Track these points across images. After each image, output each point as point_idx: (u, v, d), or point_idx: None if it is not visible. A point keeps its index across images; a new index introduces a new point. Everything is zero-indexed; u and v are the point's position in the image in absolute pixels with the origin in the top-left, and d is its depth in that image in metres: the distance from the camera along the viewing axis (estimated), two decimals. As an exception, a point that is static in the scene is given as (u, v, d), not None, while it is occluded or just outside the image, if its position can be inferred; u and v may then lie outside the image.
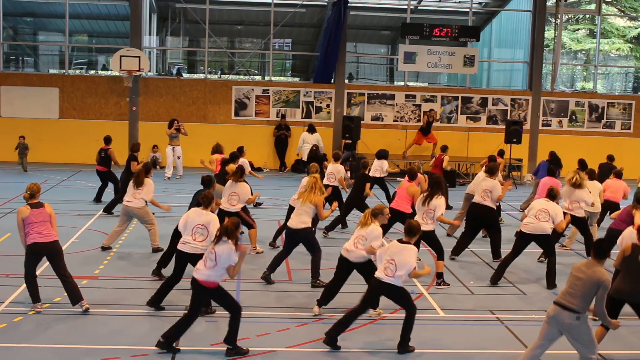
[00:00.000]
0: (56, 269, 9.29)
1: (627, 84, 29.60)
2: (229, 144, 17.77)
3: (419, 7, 27.26)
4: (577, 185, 12.56)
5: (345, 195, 15.07)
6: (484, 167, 14.10)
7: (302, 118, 24.52)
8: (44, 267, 10.01)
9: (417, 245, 8.60)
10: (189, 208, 10.22)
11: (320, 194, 10.94)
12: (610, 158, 17.12)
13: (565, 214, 11.72)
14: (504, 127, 23.38)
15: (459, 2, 28.00)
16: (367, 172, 14.75)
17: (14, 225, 9.36)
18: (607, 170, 15.15)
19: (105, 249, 12.62)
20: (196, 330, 8.81)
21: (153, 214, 12.78)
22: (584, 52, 30.18)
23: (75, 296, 9.26)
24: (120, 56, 22.46)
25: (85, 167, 22.45)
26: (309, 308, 9.83)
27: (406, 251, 8.33)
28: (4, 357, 7.90)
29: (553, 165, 16.10)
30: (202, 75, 25.89)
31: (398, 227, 12.43)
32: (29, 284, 9.26)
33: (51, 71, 26.65)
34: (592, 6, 27.97)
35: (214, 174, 13.61)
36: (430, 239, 11.00)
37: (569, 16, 29.79)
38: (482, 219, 12.69)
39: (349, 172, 18.20)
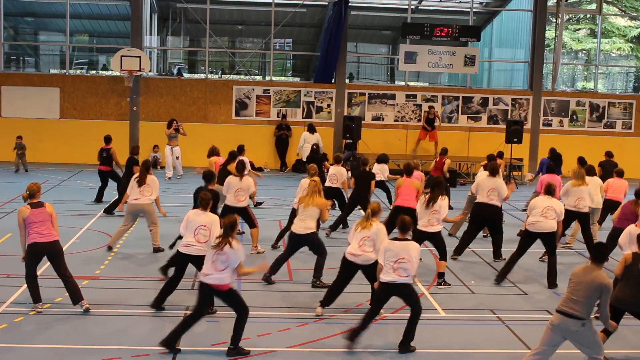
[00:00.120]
0: (57, 269, 9.29)
1: (627, 84, 29.59)
2: (229, 144, 17.77)
3: (419, 7, 27.26)
4: (582, 180, 12.72)
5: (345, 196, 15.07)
6: (482, 167, 14.15)
7: (302, 118, 24.52)
8: (44, 267, 10.02)
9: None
10: (194, 207, 10.17)
11: (322, 196, 10.95)
12: (609, 154, 17.04)
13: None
14: (505, 126, 23.37)
15: (460, 1, 27.99)
16: (366, 169, 14.74)
17: (15, 225, 9.36)
18: (610, 169, 15.09)
19: (110, 248, 12.61)
20: (197, 330, 8.81)
21: None
22: (584, 51, 30.19)
23: (76, 296, 9.26)
24: (121, 56, 22.48)
25: (86, 167, 22.47)
26: (309, 308, 9.83)
27: (412, 248, 8.34)
28: (5, 358, 7.90)
29: (554, 161, 16.06)
30: (202, 75, 25.89)
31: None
32: (29, 285, 9.26)
33: (52, 71, 26.67)
34: (593, 6, 27.97)
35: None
36: (437, 239, 10.98)
37: (570, 16, 29.79)
38: (488, 218, 12.65)
39: (349, 172, 18.21)
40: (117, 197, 15.99)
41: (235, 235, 8.13)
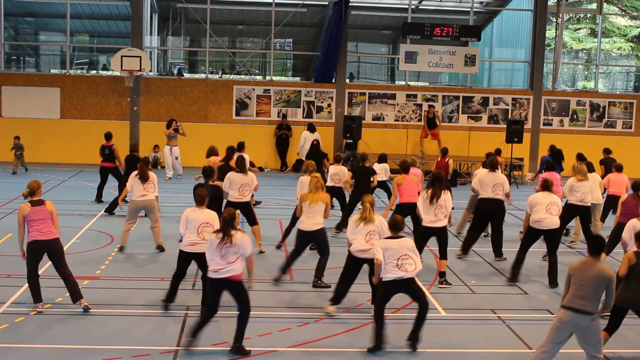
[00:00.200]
0: (57, 267, 9.29)
1: (628, 83, 29.58)
2: (230, 144, 17.70)
3: (420, 7, 27.26)
4: (584, 175, 12.82)
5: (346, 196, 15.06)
6: (481, 165, 14.18)
7: (303, 118, 24.52)
8: (45, 267, 10.02)
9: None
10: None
11: (325, 191, 10.97)
12: (608, 151, 16.99)
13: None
14: (505, 126, 23.37)
15: (460, 1, 28.00)
16: (365, 165, 14.76)
17: (16, 225, 9.36)
18: (612, 166, 15.07)
19: (122, 248, 12.57)
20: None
21: None
22: (585, 51, 30.19)
23: (75, 294, 9.28)
24: (122, 56, 22.49)
25: (86, 167, 22.48)
26: (310, 308, 9.83)
27: (410, 243, 8.42)
28: (5, 358, 7.90)
29: (554, 158, 16.01)
30: (203, 75, 25.90)
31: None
32: (31, 284, 9.26)
33: (52, 71, 26.68)
34: (593, 5, 27.96)
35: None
36: (444, 234, 10.98)
37: (570, 15, 29.78)
38: (493, 214, 12.65)
39: (350, 172, 18.19)
40: (117, 195, 15.97)
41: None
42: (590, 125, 25.52)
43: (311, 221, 10.64)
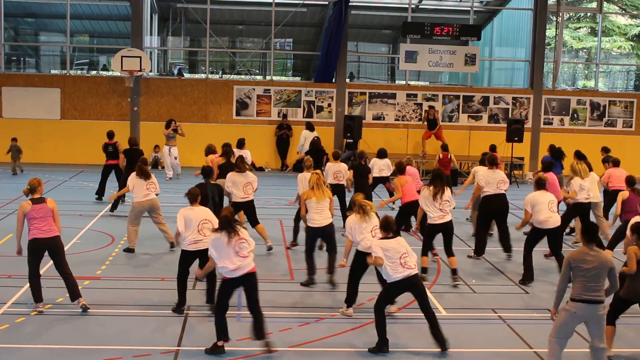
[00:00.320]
0: (57, 266, 9.30)
1: (628, 82, 29.57)
2: (231, 144, 17.73)
3: (420, 6, 27.24)
4: (587, 173, 12.94)
5: (347, 195, 15.04)
6: (480, 161, 14.22)
7: (303, 117, 24.51)
8: (46, 267, 10.03)
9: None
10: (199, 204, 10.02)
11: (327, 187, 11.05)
12: (606, 150, 16.98)
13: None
14: (506, 125, 23.37)
15: (460, 0, 28.00)
16: (363, 163, 14.77)
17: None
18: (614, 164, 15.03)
19: (132, 250, 12.56)
20: (199, 330, 8.83)
21: None
22: (585, 50, 30.16)
23: (74, 293, 9.29)
24: (122, 56, 22.49)
25: (87, 167, 22.48)
26: (310, 308, 9.84)
27: (404, 241, 8.49)
28: (6, 358, 7.91)
29: (554, 157, 15.97)
30: (203, 75, 25.89)
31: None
32: (32, 284, 9.27)
33: (52, 72, 26.68)
34: (594, 4, 27.95)
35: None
36: (450, 229, 11.08)
37: (570, 14, 29.76)
38: (498, 211, 12.69)
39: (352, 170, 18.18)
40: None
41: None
42: (590, 124, 25.51)
43: (321, 216, 10.70)
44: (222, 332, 8.13)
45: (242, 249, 8.04)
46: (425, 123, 23.71)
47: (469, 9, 26.07)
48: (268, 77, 26.19)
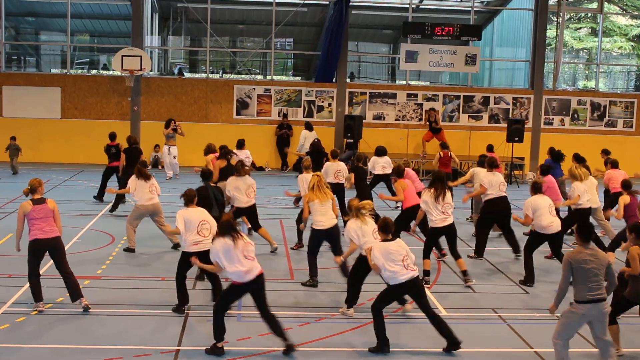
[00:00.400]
0: (58, 266, 9.30)
1: (629, 83, 29.57)
2: (230, 143, 17.65)
3: (420, 6, 27.23)
4: (587, 177, 12.89)
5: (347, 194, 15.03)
6: (478, 163, 14.24)
7: (303, 117, 24.51)
8: (46, 266, 10.02)
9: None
10: (198, 205, 10.03)
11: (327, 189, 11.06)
12: (606, 152, 16.98)
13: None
14: (506, 125, 23.37)
15: (461, 0, 27.99)
16: (361, 165, 14.77)
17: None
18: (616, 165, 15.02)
19: (133, 250, 12.55)
20: (200, 330, 8.83)
21: None
22: (585, 50, 30.17)
23: (75, 293, 9.28)
24: (122, 56, 22.48)
25: (87, 167, 22.48)
26: (310, 307, 9.84)
27: (403, 243, 8.48)
28: (6, 358, 7.91)
29: (554, 160, 15.96)
30: (203, 75, 25.89)
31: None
32: (32, 283, 9.27)
33: (53, 71, 26.68)
34: (594, 4, 27.95)
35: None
36: (453, 231, 11.08)
37: (571, 15, 29.77)
38: (504, 212, 12.69)
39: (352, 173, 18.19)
40: (118, 194, 15.97)
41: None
42: (591, 125, 25.51)
43: (326, 218, 10.67)
44: (220, 333, 8.12)
45: (249, 253, 8.08)
46: (427, 123, 23.72)
47: (470, 9, 26.07)
48: (268, 77, 26.19)
